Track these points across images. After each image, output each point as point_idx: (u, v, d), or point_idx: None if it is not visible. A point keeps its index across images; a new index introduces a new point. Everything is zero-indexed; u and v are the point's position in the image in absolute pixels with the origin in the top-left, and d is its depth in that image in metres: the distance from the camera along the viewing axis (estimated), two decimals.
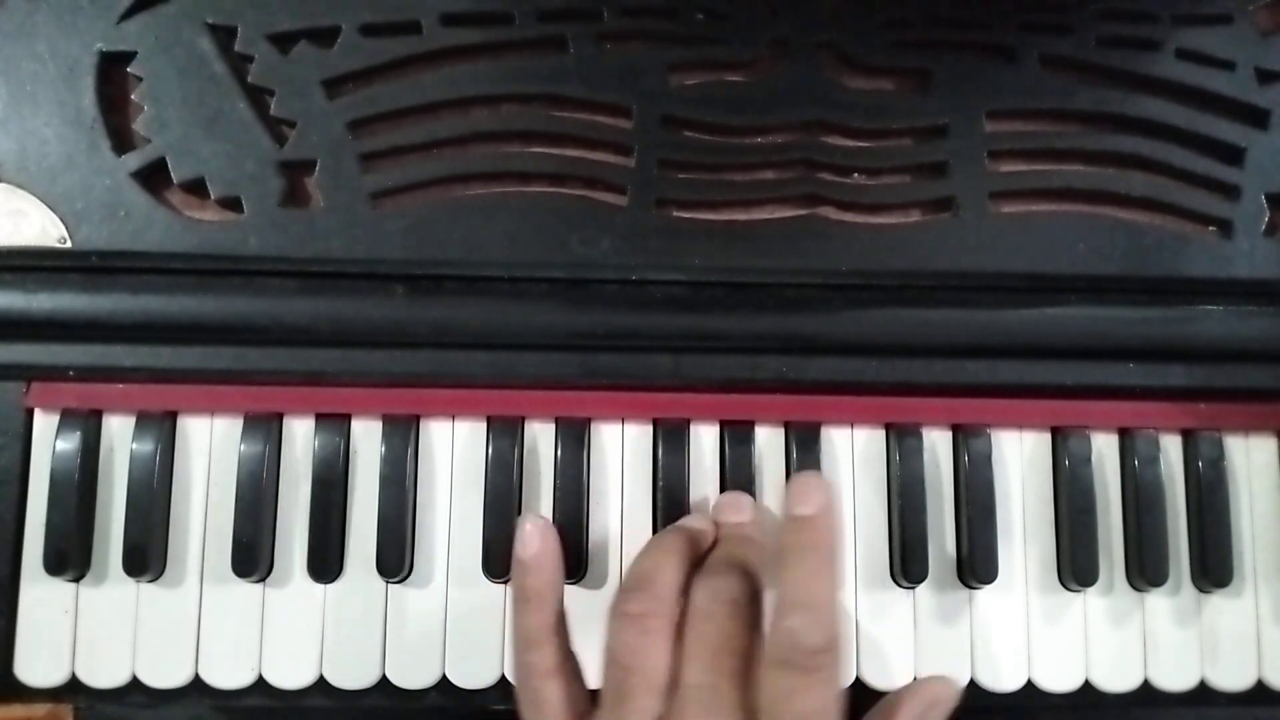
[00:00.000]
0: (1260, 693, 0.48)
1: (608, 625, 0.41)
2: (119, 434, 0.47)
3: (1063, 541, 0.48)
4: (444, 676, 0.46)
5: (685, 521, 0.45)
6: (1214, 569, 0.47)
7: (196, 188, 0.47)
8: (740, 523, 0.44)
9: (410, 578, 0.47)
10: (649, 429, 0.48)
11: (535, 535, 0.43)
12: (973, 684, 0.47)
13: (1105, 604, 0.48)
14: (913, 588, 0.47)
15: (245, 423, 0.47)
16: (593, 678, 0.43)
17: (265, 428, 0.47)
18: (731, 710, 0.38)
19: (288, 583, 0.47)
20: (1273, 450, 0.49)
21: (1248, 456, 0.49)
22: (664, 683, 0.39)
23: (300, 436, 0.47)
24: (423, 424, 0.48)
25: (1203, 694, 0.48)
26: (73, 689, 0.46)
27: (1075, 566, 0.47)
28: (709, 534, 0.44)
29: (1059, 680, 0.47)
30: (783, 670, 0.37)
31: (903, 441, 0.47)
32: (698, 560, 0.42)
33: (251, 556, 0.46)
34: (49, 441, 0.46)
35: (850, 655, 0.47)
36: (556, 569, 0.43)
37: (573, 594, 0.47)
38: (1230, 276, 0.48)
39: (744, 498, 0.46)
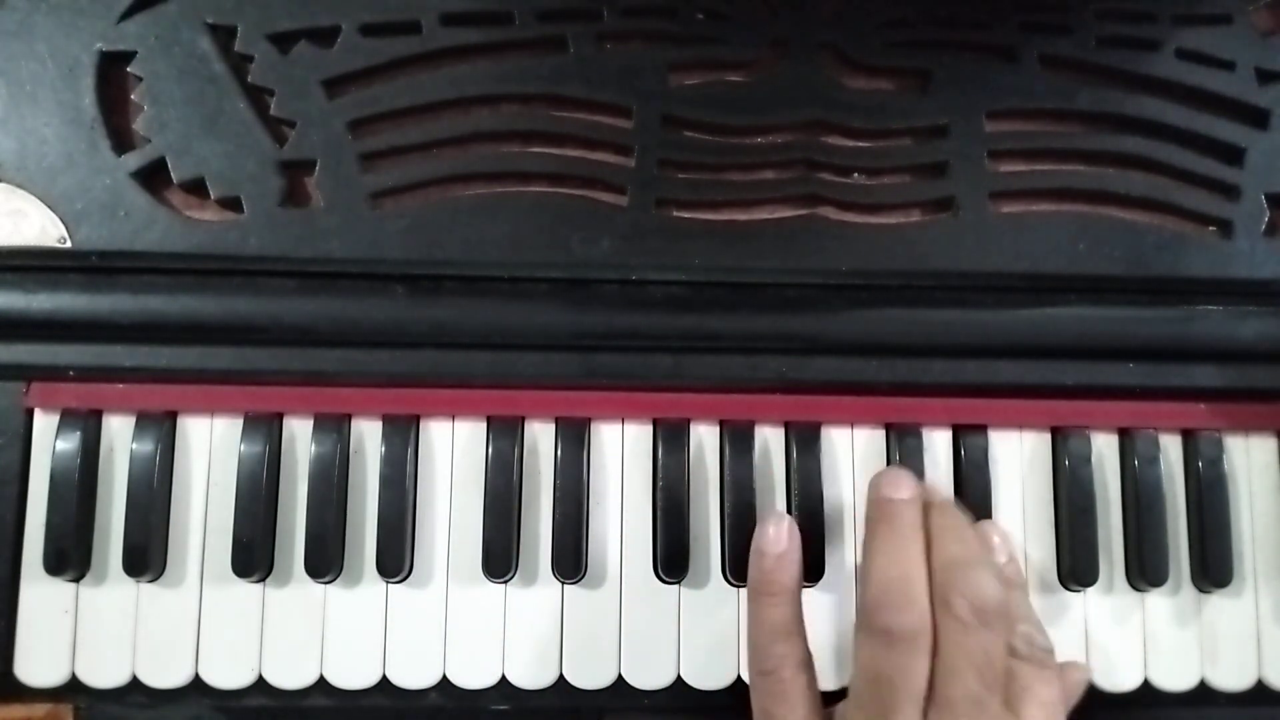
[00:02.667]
0: (1260, 693, 0.48)
1: (870, 637, 0.40)
2: (119, 434, 0.47)
3: (1063, 541, 0.48)
4: (444, 676, 0.46)
5: (900, 492, 0.43)
6: (1214, 569, 0.47)
7: (196, 188, 0.47)
8: (944, 501, 0.44)
9: (410, 578, 0.47)
10: (649, 429, 0.48)
11: (783, 533, 0.44)
12: None
13: (1105, 604, 0.48)
14: None
15: (245, 423, 0.47)
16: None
17: (265, 428, 0.47)
18: (997, 717, 0.38)
19: (288, 583, 0.47)
20: (1273, 450, 0.49)
21: (1248, 456, 0.49)
22: (925, 693, 0.39)
23: (300, 436, 0.47)
24: (423, 424, 0.48)
25: (1203, 694, 0.48)
26: (73, 689, 0.46)
27: (1075, 566, 0.47)
28: (919, 501, 0.43)
29: None
30: (1026, 664, 0.41)
31: (903, 441, 0.47)
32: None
33: (251, 556, 0.46)
34: (49, 441, 0.46)
35: (850, 655, 0.47)
36: (799, 565, 0.44)
37: (573, 594, 0.47)
38: (1230, 276, 0.48)
39: (904, 474, 0.44)
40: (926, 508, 0.43)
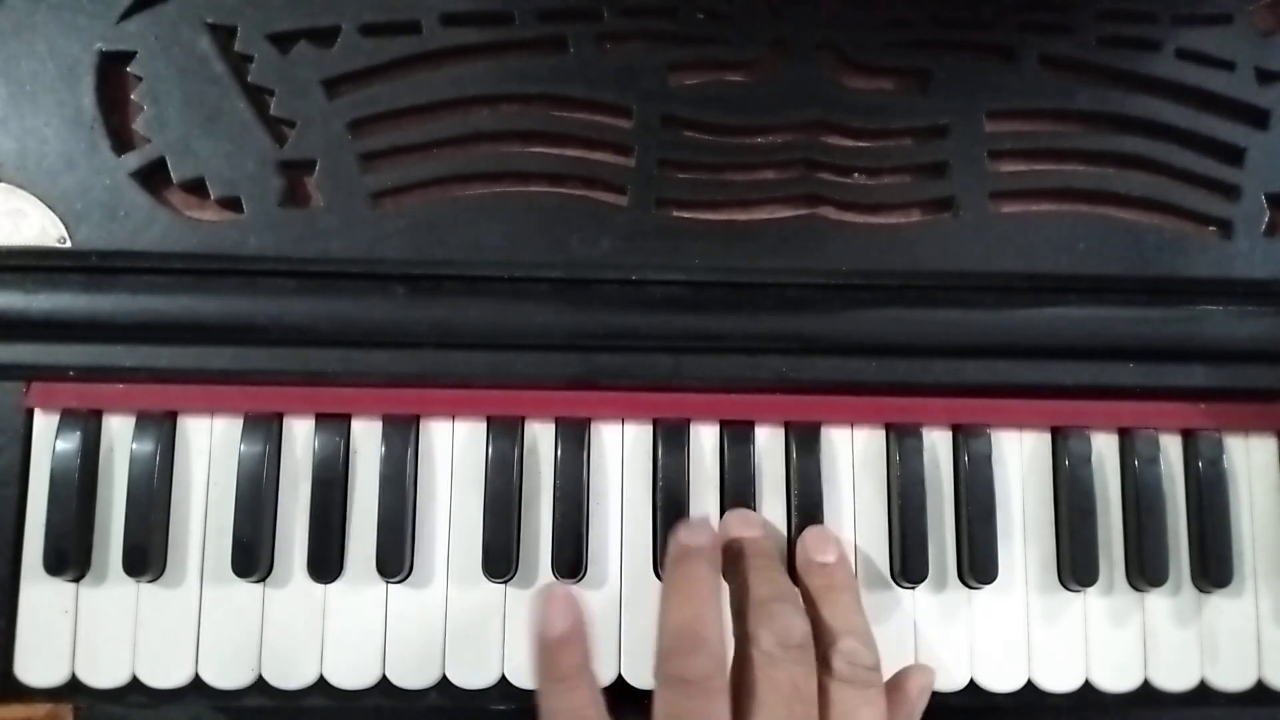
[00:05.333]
0: (1260, 693, 0.48)
1: (664, 688, 0.39)
2: (119, 434, 0.47)
3: (1063, 541, 0.48)
4: (444, 676, 0.46)
5: (695, 538, 0.43)
6: (1214, 569, 0.47)
7: (196, 188, 0.47)
8: (755, 538, 0.45)
9: (410, 578, 0.47)
10: (649, 429, 0.48)
11: (560, 610, 0.40)
12: (973, 684, 0.47)
13: (1105, 604, 0.48)
14: (913, 588, 0.47)
15: (245, 423, 0.47)
16: None
17: (265, 428, 0.47)
18: None
19: (288, 583, 0.47)
20: (1273, 450, 0.49)
21: (1248, 456, 0.49)
22: None
23: (300, 436, 0.47)
24: (423, 424, 0.48)
25: (1203, 694, 0.48)
26: (73, 689, 0.46)
27: (1075, 566, 0.47)
28: (719, 550, 0.44)
29: (1059, 680, 0.47)
30: (847, 687, 0.41)
31: (903, 441, 0.47)
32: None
33: (251, 556, 0.46)
34: (49, 441, 0.46)
35: None
36: (588, 642, 0.40)
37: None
38: (1230, 276, 0.48)
39: (751, 513, 0.46)
40: (735, 550, 0.44)
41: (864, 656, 0.41)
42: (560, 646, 0.39)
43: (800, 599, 0.43)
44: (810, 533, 0.46)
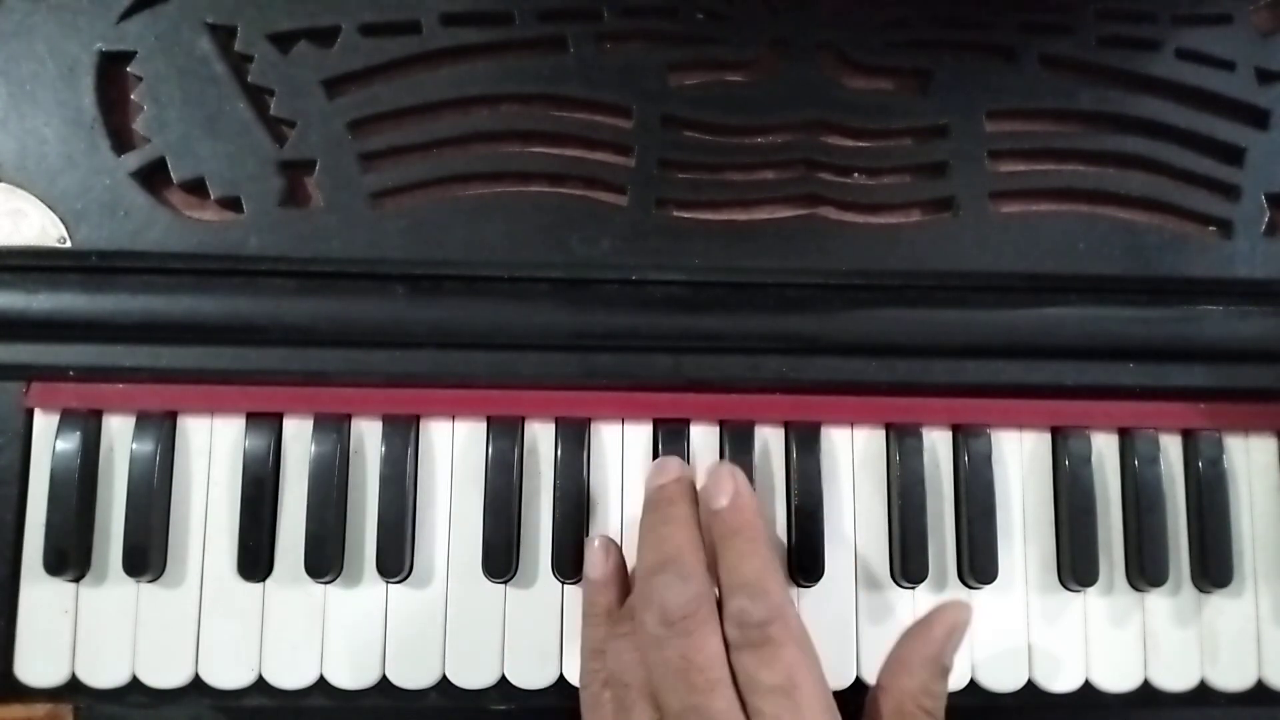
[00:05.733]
0: (1260, 693, 0.48)
1: (652, 636, 0.40)
2: (119, 434, 0.47)
3: (1063, 541, 0.48)
4: (444, 676, 0.46)
5: (661, 476, 0.45)
6: (1214, 569, 0.47)
7: (196, 188, 0.47)
8: (661, 484, 0.44)
9: (410, 578, 0.47)
10: (649, 429, 0.48)
11: (604, 556, 0.44)
12: (973, 684, 0.47)
13: (1105, 604, 0.48)
14: (913, 588, 0.47)
15: (246, 423, 0.47)
16: None
17: (265, 428, 0.47)
18: (721, 716, 0.38)
19: (287, 583, 0.47)
20: (1273, 450, 0.49)
21: (1248, 456, 0.49)
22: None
23: (300, 436, 0.47)
24: (423, 424, 0.48)
25: (1203, 694, 0.48)
26: (73, 689, 0.46)
27: (1075, 566, 0.47)
28: (691, 482, 0.45)
29: (1059, 680, 0.47)
30: (741, 653, 0.39)
31: (903, 441, 0.47)
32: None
33: (251, 556, 0.46)
34: (49, 441, 0.46)
35: (850, 655, 0.47)
36: (624, 584, 0.44)
37: (573, 594, 0.47)
38: (1230, 276, 0.48)
39: (670, 459, 0.46)
40: (644, 514, 0.44)
41: (751, 613, 0.39)
42: (596, 588, 0.44)
43: (692, 550, 0.41)
44: (708, 475, 0.44)
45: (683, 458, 0.47)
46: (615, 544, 0.46)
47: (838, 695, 0.46)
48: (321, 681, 0.46)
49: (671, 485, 0.44)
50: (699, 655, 0.38)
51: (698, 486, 0.45)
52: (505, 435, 0.47)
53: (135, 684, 0.46)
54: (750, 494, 0.43)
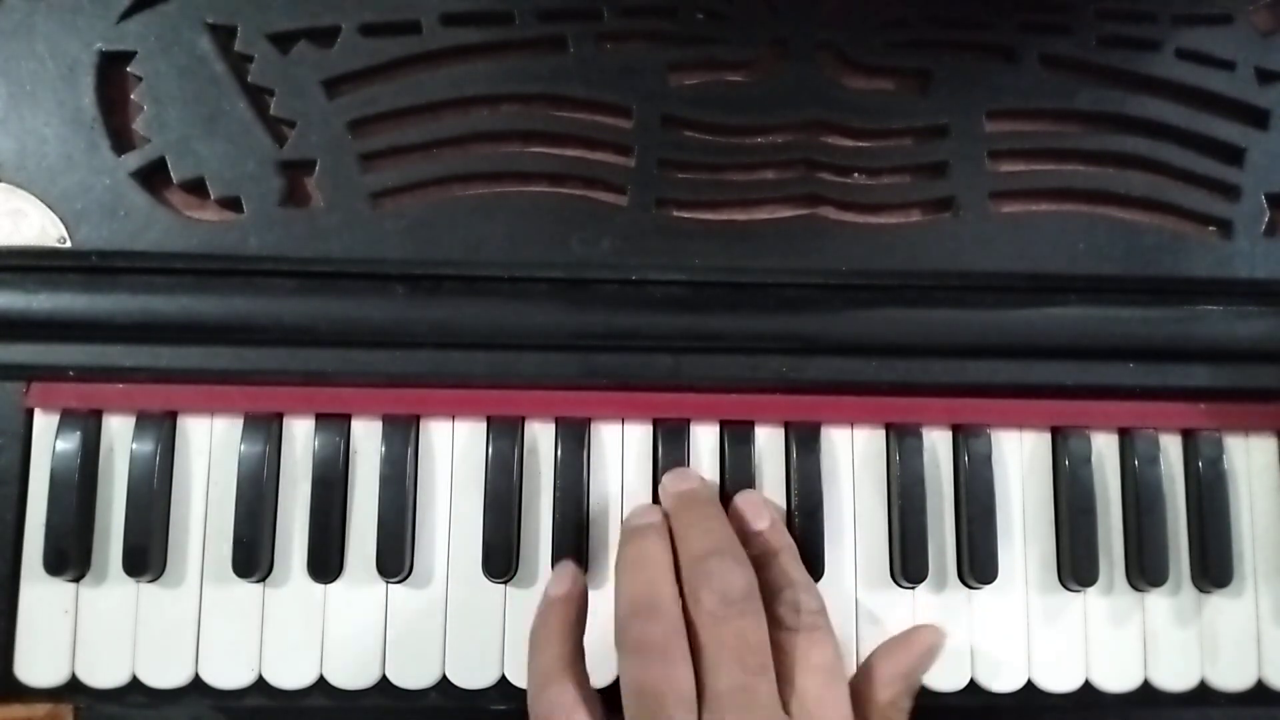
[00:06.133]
0: (1260, 693, 0.48)
1: (623, 657, 0.40)
2: (119, 434, 0.47)
3: (1063, 541, 0.48)
4: (444, 676, 0.46)
5: (643, 519, 0.44)
6: (1214, 569, 0.47)
7: (196, 188, 0.47)
8: (692, 489, 0.45)
9: (410, 578, 0.47)
10: (649, 429, 0.48)
11: (568, 577, 0.44)
12: (973, 684, 0.47)
13: (1105, 604, 0.48)
14: (913, 588, 0.47)
15: (245, 423, 0.47)
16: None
17: (265, 428, 0.47)
18: (766, 703, 0.38)
19: (288, 583, 0.47)
20: (1273, 450, 0.49)
21: (1248, 456, 0.49)
22: (694, 696, 0.39)
23: (300, 436, 0.47)
24: (423, 424, 0.48)
25: (1203, 694, 0.48)
26: (73, 689, 0.46)
27: (1075, 566, 0.47)
28: (665, 518, 0.45)
29: (1059, 680, 0.47)
30: (794, 634, 0.41)
31: (903, 441, 0.47)
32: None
33: (251, 556, 0.46)
34: (49, 441, 0.46)
35: (851, 656, 0.47)
36: (575, 609, 0.44)
37: None
38: (1230, 276, 0.48)
39: (687, 469, 0.47)
40: (672, 506, 0.45)
41: (807, 602, 0.42)
42: (556, 605, 0.43)
43: (738, 545, 0.42)
44: (742, 500, 0.46)
45: (683, 458, 0.47)
46: (578, 568, 0.45)
47: None
48: (321, 681, 0.46)
49: (700, 488, 0.46)
50: (754, 636, 0.39)
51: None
52: (505, 435, 0.47)
53: (135, 684, 0.46)
54: (703, 477, 0.46)
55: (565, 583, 0.44)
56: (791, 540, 0.45)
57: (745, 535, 0.44)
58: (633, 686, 0.39)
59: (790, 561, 0.43)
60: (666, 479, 0.46)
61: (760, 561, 0.43)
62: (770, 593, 0.42)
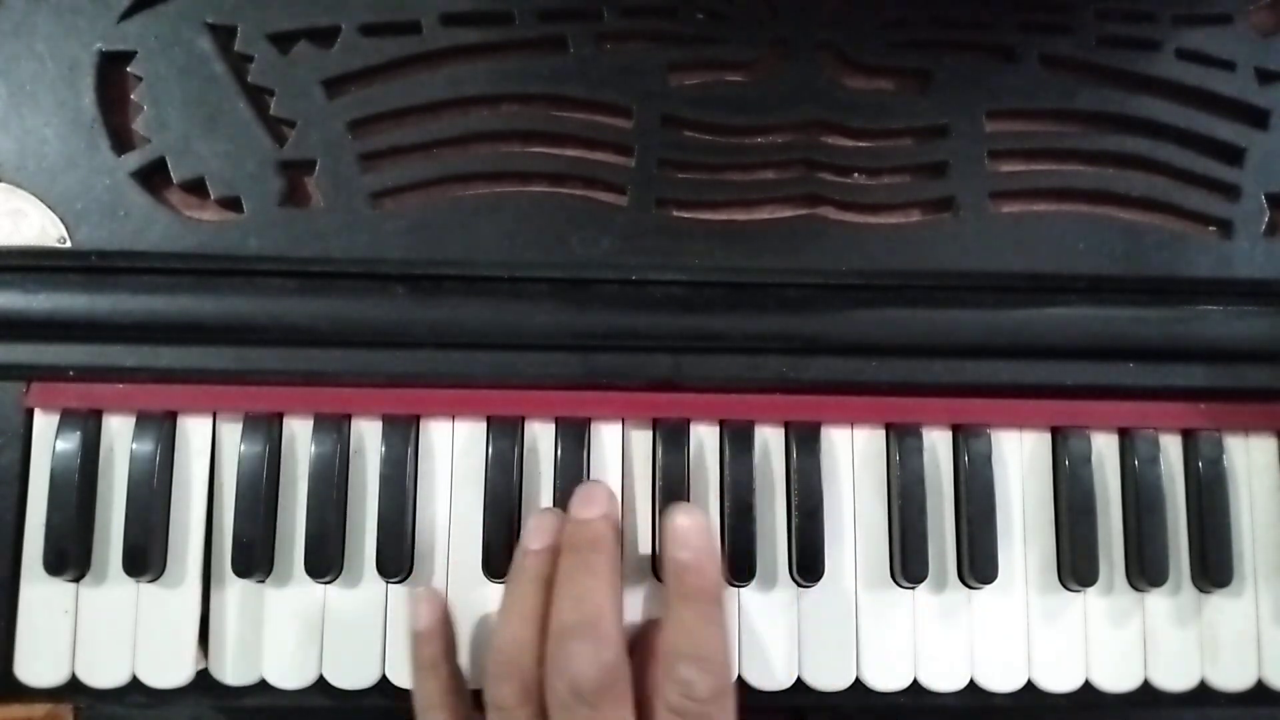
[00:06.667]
0: (1260, 693, 0.48)
1: (486, 704, 0.41)
2: (119, 434, 0.47)
3: (1063, 541, 0.48)
4: None
5: (530, 550, 0.42)
6: (1214, 569, 0.47)
7: (196, 188, 0.47)
8: (588, 521, 0.42)
9: (410, 578, 0.47)
10: (649, 429, 0.48)
11: (428, 609, 0.44)
12: (973, 684, 0.47)
13: (1105, 604, 0.48)
14: (913, 588, 0.47)
15: (245, 423, 0.47)
16: None
17: (265, 428, 0.47)
18: None
19: (288, 583, 0.47)
20: (1273, 450, 0.49)
21: (1248, 456, 0.49)
22: None
23: (300, 436, 0.47)
24: (423, 424, 0.48)
25: (1203, 694, 0.48)
26: (73, 689, 0.46)
27: (1075, 566, 0.47)
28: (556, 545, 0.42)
29: (1059, 680, 0.47)
30: (673, 717, 0.38)
31: (903, 441, 0.47)
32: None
33: (251, 556, 0.46)
34: (49, 441, 0.46)
35: (850, 655, 0.47)
36: (449, 636, 0.44)
37: None
38: (1230, 276, 0.48)
39: (596, 489, 0.44)
40: (564, 542, 0.42)
41: (699, 686, 0.38)
42: (421, 640, 0.43)
43: (610, 615, 0.39)
44: (671, 518, 0.42)
45: (683, 458, 0.47)
46: (438, 594, 0.45)
47: (838, 695, 0.47)
48: (321, 681, 0.46)
49: (598, 523, 0.42)
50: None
51: (671, 522, 0.42)
52: (505, 435, 0.47)
53: (135, 684, 0.46)
54: (717, 555, 0.42)
55: (427, 616, 0.43)
56: (719, 584, 0.41)
57: (666, 562, 0.42)
58: None
59: (703, 617, 0.40)
60: (573, 498, 0.44)
61: (671, 603, 0.40)
62: (667, 658, 0.39)
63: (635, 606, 0.47)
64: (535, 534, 0.43)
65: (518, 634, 0.40)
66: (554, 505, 0.46)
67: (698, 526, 0.41)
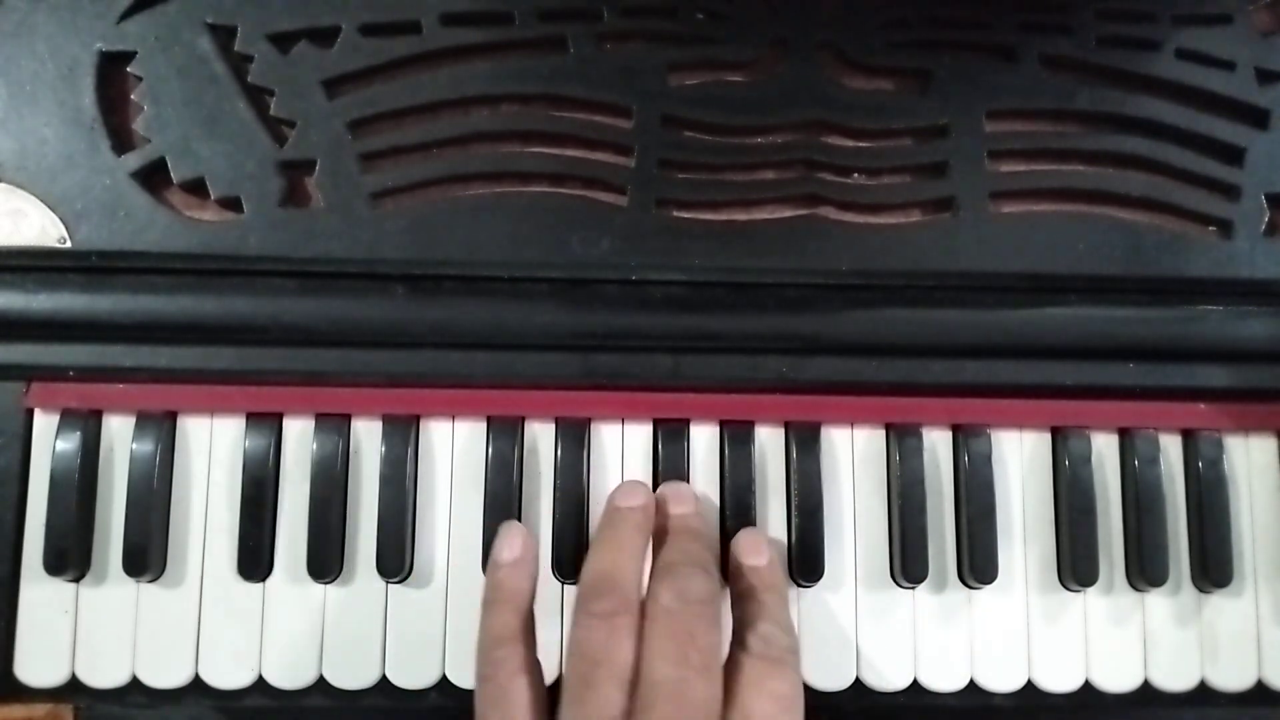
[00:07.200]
0: (1260, 693, 0.48)
1: (574, 624, 0.41)
2: (119, 434, 0.47)
3: (1063, 541, 0.48)
4: (444, 676, 0.46)
5: (628, 500, 0.45)
6: (1214, 569, 0.47)
7: (196, 188, 0.47)
8: (685, 514, 0.45)
9: (410, 578, 0.47)
10: (649, 429, 0.48)
11: (518, 539, 0.44)
12: (973, 684, 0.47)
13: (1105, 604, 0.48)
14: (913, 588, 0.47)
15: (246, 423, 0.47)
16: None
17: (265, 428, 0.47)
18: (700, 702, 0.38)
19: (287, 583, 0.47)
20: (1273, 450, 0.49)
21: (1248, 456, 0.49)
22: (630, 676, 0.39)
23: (300, 436, 0.47)
24: (423, 424, 0.48)
25: (1203, 694, 0.48)
26: (73, 689, 0.46)
27: (1075, 566, 0.47)
28: (651, 514, 0.45)
29: (1059, 680, 0.47)
30: (758, 661, 0.41)
31: (903, 441, 0.47)
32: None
33: (252, 556, 0.46)
34: (49, 441, 0.46)
35: (850, 655, 0.47)
36: (531, 576, 0.44)
37: (573, 594, 0.47)
38: (1230, 276, 0.48)
39: (686, 488, 0.46)
40: (663, 526, 0.45)
41: (780, 638, 0.41)
42: (509, 571, 0.43)
43: (713, 564, 0.43)
44: (744, 535, 0.46)
45: (683, 458, 0.47)
46: (526, 529, 0.46)
47: (838, 695, 0.47)
48: (321, 681, 0.46)
49: (692, 514, 0.45)
50: (703, 638, 0.40)
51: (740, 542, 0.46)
52: (505, 435, 0.47)
53: (135, 684, 0.46)
54: (782, 558, 0.46)
55: (516, 547, 0.44)
56: (784, 583, 0.45)
57: (740, 569, 0.44)
58: (574, 647, 0.40)
59: (776, 601, 0.43)
60: (665, 492, 0.46)
61: (746, 594, 0.44)
62: (747, 622, 0.42)
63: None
64: (628, 495, 0.45)
65: (617, 559, 0.42)
66: (554, 506, 0.47)
67: (765, 536, 0.46)
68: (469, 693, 0.46)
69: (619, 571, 0.42)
